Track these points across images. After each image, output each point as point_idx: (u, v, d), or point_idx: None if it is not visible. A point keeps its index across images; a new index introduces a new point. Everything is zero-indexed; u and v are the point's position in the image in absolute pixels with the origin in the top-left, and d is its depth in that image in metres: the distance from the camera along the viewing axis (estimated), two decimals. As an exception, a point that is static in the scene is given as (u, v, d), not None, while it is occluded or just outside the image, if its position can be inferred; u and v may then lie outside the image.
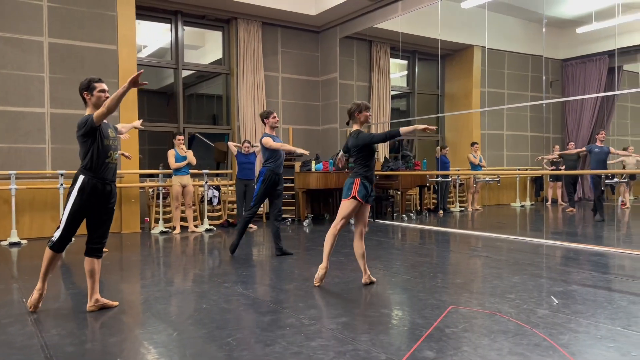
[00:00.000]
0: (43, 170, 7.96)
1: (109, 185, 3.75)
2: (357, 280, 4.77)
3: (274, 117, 6.20)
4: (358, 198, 4.45)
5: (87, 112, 3.75)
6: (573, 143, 9.97)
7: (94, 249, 3.79)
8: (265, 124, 6.23)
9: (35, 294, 3.81)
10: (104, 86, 3.80)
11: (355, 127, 4.61)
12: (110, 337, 3.27)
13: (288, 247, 6.54)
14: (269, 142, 6.04)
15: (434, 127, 4.43)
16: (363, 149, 4.49)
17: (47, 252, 3.77)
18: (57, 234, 3.73)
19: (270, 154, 6.12)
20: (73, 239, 4.03)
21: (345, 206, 4.53)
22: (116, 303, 3.95)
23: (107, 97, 3.73)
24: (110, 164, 3.75)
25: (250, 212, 6.25)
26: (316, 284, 4.56)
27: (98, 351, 3.00)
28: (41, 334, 3.28)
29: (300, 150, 6.28)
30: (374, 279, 4.70)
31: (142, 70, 3.73)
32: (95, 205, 3.72)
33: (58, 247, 3.75)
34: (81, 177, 3.67)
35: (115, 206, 3.88)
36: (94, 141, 3.66)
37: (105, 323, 3.55)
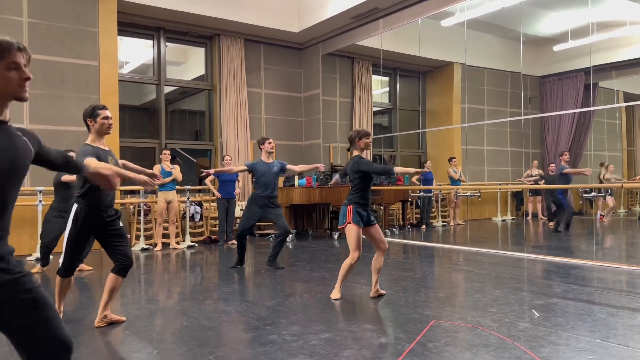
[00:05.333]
0: (21, 187, 7.83)
1: (104, 212, 3.71)
2: (340, 295, 4.76)
3: (269, 143, 6.47)
4: (353, 224, 4.48)
5: (89, 139, 3.76)
6: (553, 164, 10.15)
7: (119, 268, 3.81)
8: (261, 150, 6.49)
9: None
10: (108, 113, 3.78)
11: (356, 152, 4.66)
12: (89, 356, 3.20)
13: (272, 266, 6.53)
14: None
15: (423, 170, 4.68)
16: (362, 176, 4.53)
17: (57, 279, 3.87)
18: (60, 261, 3.81)
19: (255, 179, 6.37)
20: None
21: (348, 233, 4.55)
22: (124, 318, 3.97)
23: (110, 125, 3.77)
24: (105, 192, 3.69)
25: (238, 232, 6.47)
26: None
27: (75, 371, 2.94)
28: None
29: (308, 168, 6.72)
30: (383, 292, 4.75)
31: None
32: (95, 232, 3.74)
33: (64, 273, 3.83)
34: (75, 206, 3.69)
35: (120, 228, 3.85)
36: None
37: (83, 342, 3.48)
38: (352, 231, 4.50)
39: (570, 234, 9.05)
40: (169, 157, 8.47)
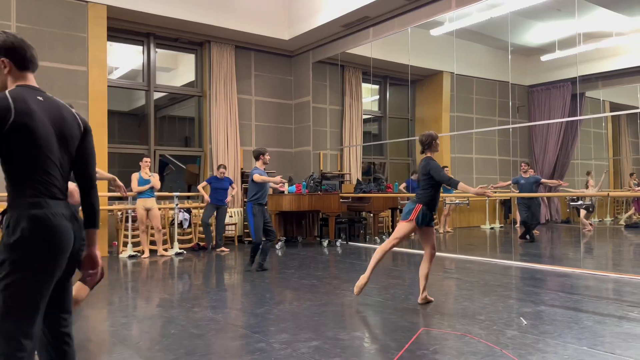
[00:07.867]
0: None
1: None
2: (329, 303, 4.75)
3: (268, 156, 6.86)
4: (414, 222, 4.65)
5: None
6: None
7: None
8: (258, 159, 6.78)
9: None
10: None
11: (428, 154, 4.81)
12: (74, 365, 3.16)
13: (261, 270, 6.59)
14: (257, 177, 6.57)
15: (490, 193, 4.78)
16: (431, 177, 4.67)
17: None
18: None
19: (259, 188, 6.57)
20: None
21: (402, 228, 4.73)
22: None
23: None
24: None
25: (255, 244, 6.68)
26: (356, 293, 4.78)
27: (60, 380, 2.89)
28: None
29: (278, 181, 7.15)
30: (431, 299, 4.77)
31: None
32: None
33: None
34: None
35: None
36: None
37: (68, 350, 3.44)
38: (408, 228, 4.70)
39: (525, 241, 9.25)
40: (149, 164, 8.44)
